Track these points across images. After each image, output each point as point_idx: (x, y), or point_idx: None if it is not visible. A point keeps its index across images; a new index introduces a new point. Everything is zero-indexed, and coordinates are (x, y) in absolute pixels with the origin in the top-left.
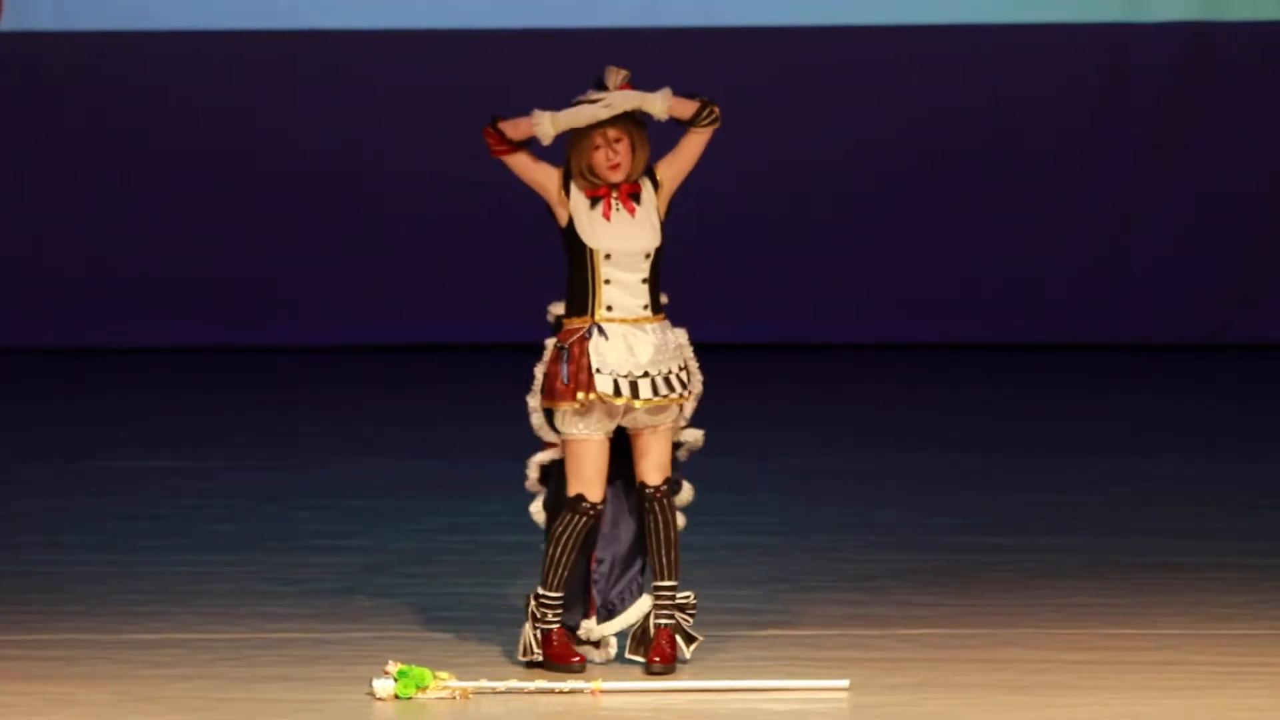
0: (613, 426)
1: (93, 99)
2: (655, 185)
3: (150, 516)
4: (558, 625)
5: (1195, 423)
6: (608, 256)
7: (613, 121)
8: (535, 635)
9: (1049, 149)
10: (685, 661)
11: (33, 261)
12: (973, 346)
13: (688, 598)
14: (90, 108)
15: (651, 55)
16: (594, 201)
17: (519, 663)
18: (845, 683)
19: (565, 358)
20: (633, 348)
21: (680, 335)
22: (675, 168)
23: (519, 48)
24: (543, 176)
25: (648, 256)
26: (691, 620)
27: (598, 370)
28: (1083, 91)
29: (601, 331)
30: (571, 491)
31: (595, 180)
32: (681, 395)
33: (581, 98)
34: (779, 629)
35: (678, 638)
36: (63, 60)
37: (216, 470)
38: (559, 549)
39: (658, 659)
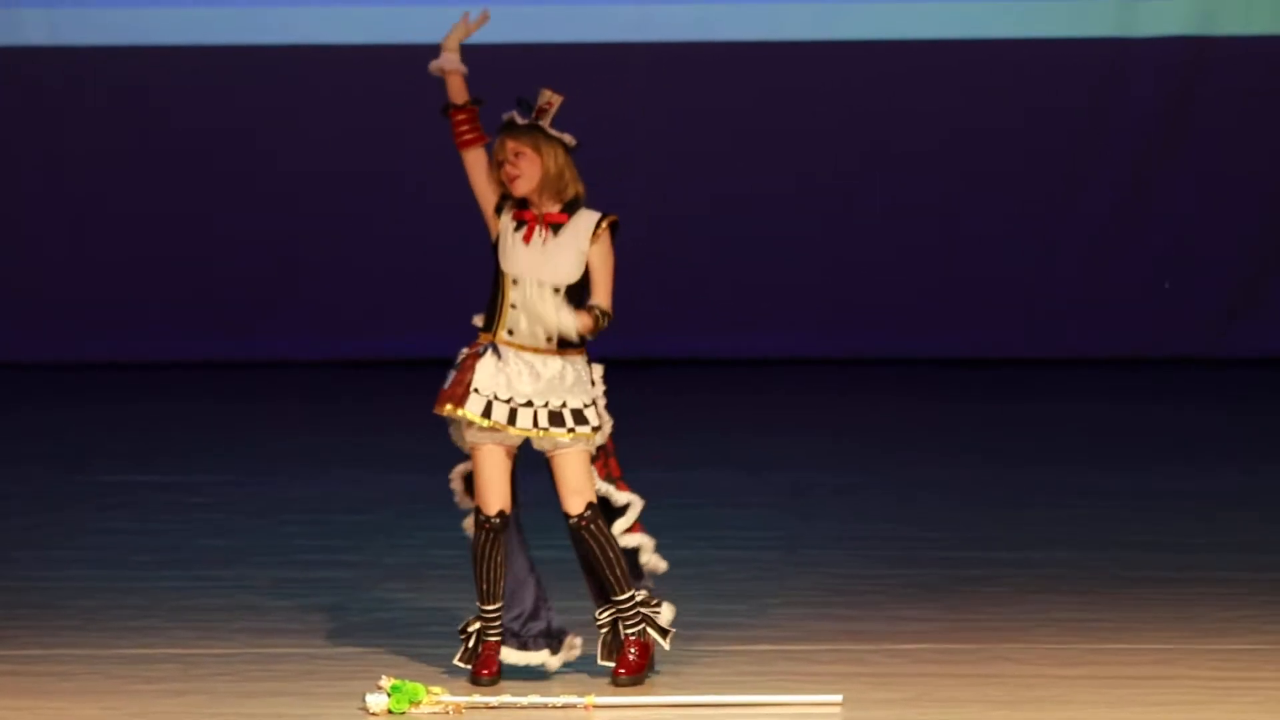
0: (507, 441)
1: (85, 114)
2: (594, 234)
3: (142, 531)
4: (496, 639)
5: (1189, 436)
6: (514, 281)
7: (516, 136)
8: (470, 646)
9: (1042, 163)
10: (667, 650)
11: (26, 275)
12: (966, 361)
13: (648, 593)
14: (83, 123)
15: (642, 70)
16: (519, 225)
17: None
18: (838, 698)
19: (456, 367)
20: (521, 374)
21: (593, 372)
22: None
23: (508, 63)
24: (487, 187)
25: (556, 290)
26: (660, 613)
27: (475, 390)
28: (1075, 105)
29: (496, 352)
30: (476, 503)
31: (505, 187)
32: (570, 431)
33: (508, 115)
34: (771, 644)
35: (652, 633)
36: (55, 76)
37: (208, 485)
38: (473, 565)
39: (622, 671)
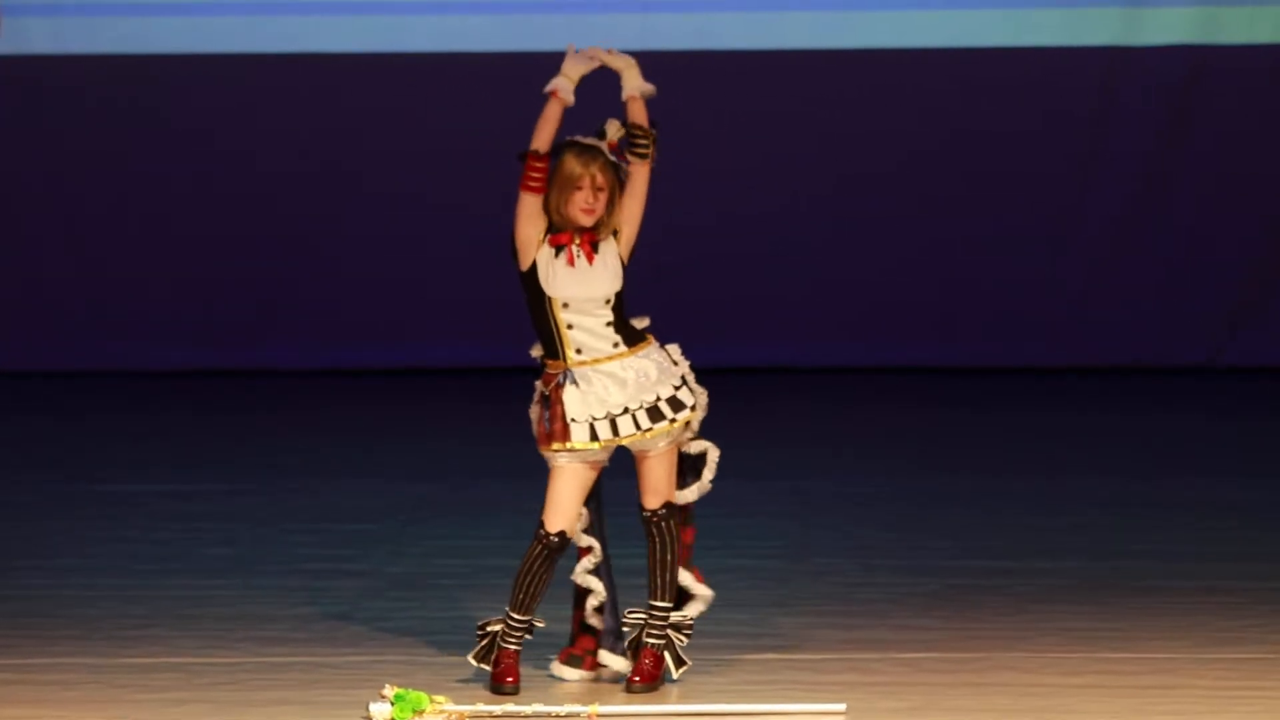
0: (603, 457)
1: (88, 122)
2: (615, 233)
3: (146, 540)
4: (515, 649)
5: (1192, 446)
6: (565, 305)
7: (602, 169)
8: (484, 645)
9: (1043, 172)
10: (673, 681)
11: (29, 284)
12: (969, 370)
13: (684, 618)
14: (85, 131)
15: (646, 78)
16: (557, 250)
17: (471, 663)
18: (842, 706)
19: (545, 403)
20: (607, 388)
21: (672, 353)
22: (630, 210)
23: (508, 71)
24: (537, 227)
25: (607, 302)
26: (685, 641)
27: (573, 420)
28: (1077, 114)
29: (574, 379)
30: (542, 516)
31: (562, 218)
32: (672, 421)
33: (579, 138)
34: (775, 652)
35: (667, 656)
36: (59, 83)
37: (212, 494)
38: (521, 574)
39: (637, 679)
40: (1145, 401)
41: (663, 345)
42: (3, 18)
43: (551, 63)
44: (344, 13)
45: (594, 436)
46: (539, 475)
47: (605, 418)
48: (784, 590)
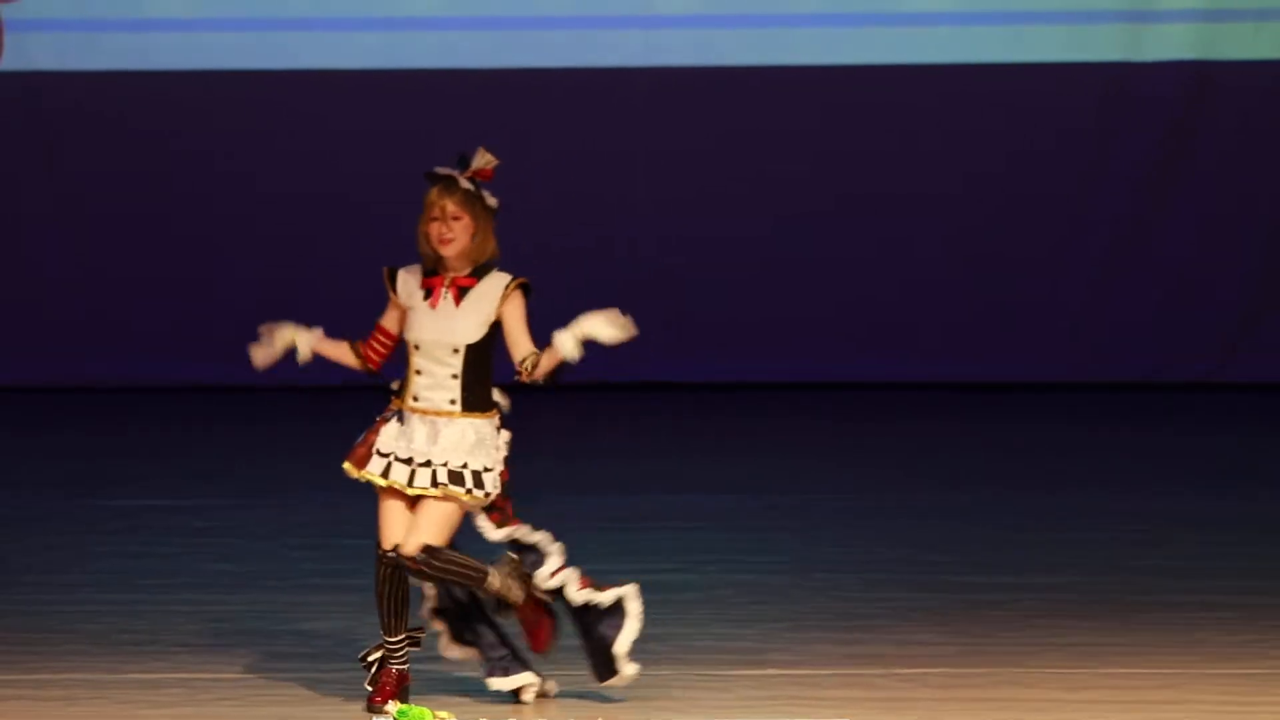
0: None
1: (90, 138)
2: (502, 298)
3: (149, 555)
4: (401, 668)
5: (1194, 460)
6: (417, 347)
7: (455, 198)
8: (374, 673)
9: (1046, 187)
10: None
11: (31, 300)
12: (972, 385)
13: (512, 559)
14: (86, 147)
15: (648, 95)
16: (426, 292)
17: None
18: None
19: (368, 428)
20: (420, 434)
21: (499, 438)
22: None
23: (513, 87)
24: (398, 318)
25: (456, 351)
26: (545, 585)
27: (378, 451)
28: (1080, 130)
29: (401, 418)
30: (377, 537)
31: (427, 252)
32: (469, 492)
33: (438, 169)
34: (778, 668)
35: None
36: (60, 99)
37: (215, 509)
38: (378, 599)
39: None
40: (1148, 416)
41: (499, 429)
42: (5, 33)
43: (556, 80)
44: (344, 29)
45: (385, 474)
46: (543, 490)
47: (407, 462)
48: (786, 605)
